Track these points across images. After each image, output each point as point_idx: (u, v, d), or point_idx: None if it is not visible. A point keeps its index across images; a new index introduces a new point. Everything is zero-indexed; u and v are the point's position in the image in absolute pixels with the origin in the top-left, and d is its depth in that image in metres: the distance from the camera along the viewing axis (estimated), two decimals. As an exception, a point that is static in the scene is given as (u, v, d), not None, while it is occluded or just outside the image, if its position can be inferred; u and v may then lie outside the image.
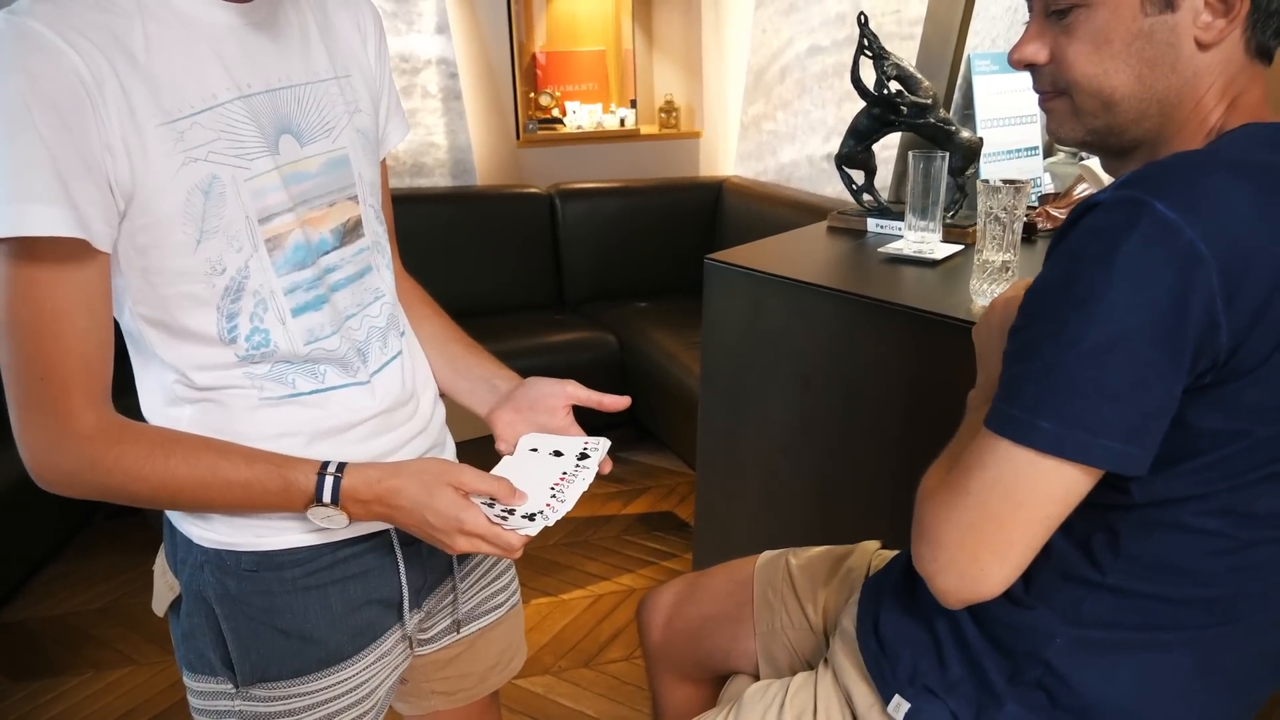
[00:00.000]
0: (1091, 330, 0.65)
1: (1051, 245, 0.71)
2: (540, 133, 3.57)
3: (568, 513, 0.89)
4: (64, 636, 2.27)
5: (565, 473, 0.93)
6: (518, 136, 3.52)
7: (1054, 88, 0.79)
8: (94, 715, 2.00)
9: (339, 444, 0.90)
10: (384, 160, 1.02)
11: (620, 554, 2.60)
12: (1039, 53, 0.79)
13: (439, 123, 3.36)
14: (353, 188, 0.91)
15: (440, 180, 3.42)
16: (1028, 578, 0.78)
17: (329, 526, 0.87)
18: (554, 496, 0.90)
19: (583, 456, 0.97)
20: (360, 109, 0.93)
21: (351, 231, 0.91)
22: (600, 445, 0.99)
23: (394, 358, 0.96)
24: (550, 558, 2.55)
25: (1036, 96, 0.82)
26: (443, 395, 1.08)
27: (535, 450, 0.99)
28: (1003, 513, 0.70)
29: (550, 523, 0.87)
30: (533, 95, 3.61)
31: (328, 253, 0.88)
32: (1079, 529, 0.75)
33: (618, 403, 1.02)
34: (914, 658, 0.88)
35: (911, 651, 0.88)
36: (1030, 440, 0.68)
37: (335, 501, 0.85)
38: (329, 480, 0.84)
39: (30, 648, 2.23)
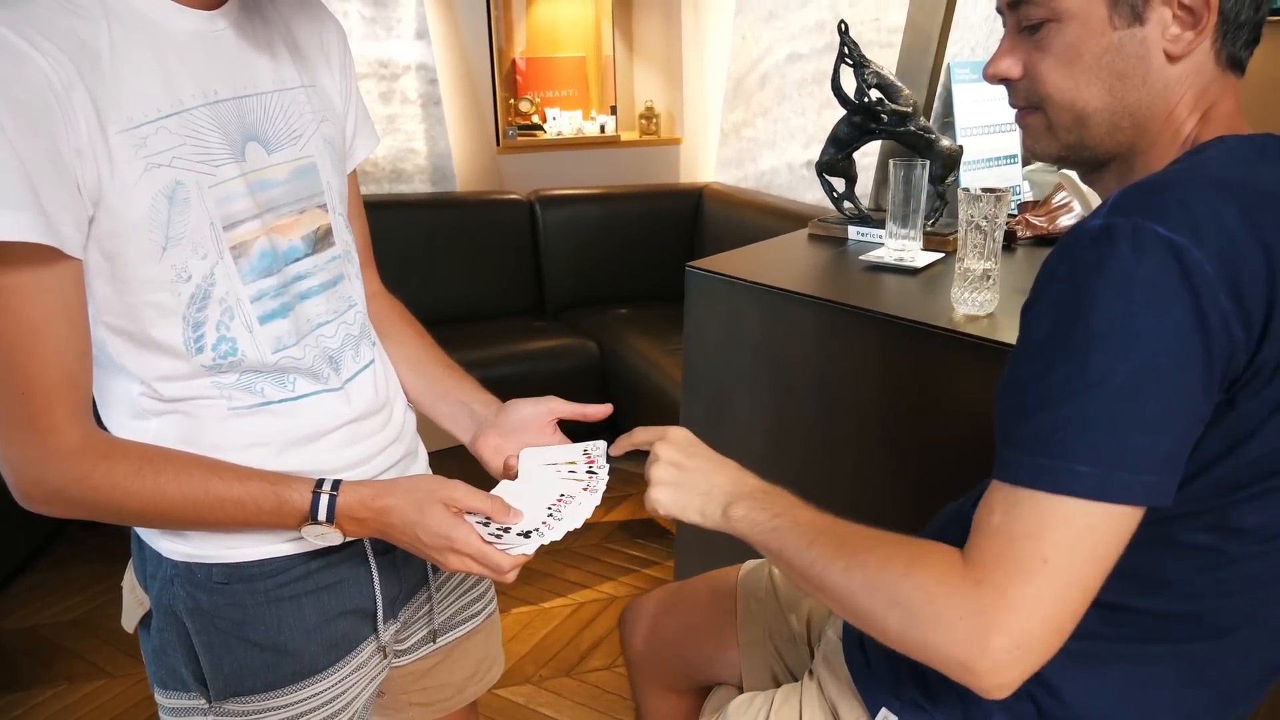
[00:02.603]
0: (1120, 363, 0.62)
1: (1042, 283, 0.68)
2: (520, 139, 3.56)
3: (571, 529, 0.87)
4: (36, 649, 2.23)
5: (563, 494, 0.93)
6: (498, 143, 3.51)
7: (1028, 102, 0.80)
8: (67, 729, 1.97)
9: (312, 452, 0.89)
10: (353, 172, 1.02)
11: (601, 561, 2.59)
12: (1012, 68, 0.79)
13: (418, 129, 3.34)
14: (321, 196, 0.91)
15: (420, 186, 3.41)
16: None
17: (322, 544, 0.86)
18: (551, 515, 0.89)
19: (588, 471, 0.96)
20: (327, 118, 0.93)
21: (323, 239, 0.91)
22: (598, 450, 0.99)
23: (367, 366, 0.96)
24: (531, 566, 2.50)
25: (1014, 112, 0.83)
26: (421, 416, 1.07)
27: (534, 468, 0.98)
28: (1086, 574, 0.64)
29: (546, 541, 0.86)
30: (513, 101, 3.60)
31: (298, 260, 0.88)
32: None
33: (600, 411, 1.02)
34: (901, 670, 0.87)
35: (897, 663, 0.88)
36: (1070, 488, 0.63)
37: (330, 520, 0.84)
38: (324, 499, 0.84)
39: (2, 661, 2.19)
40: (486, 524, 0.86)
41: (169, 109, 0.77)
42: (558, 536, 0.87)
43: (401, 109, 3.30)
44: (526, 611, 2.35)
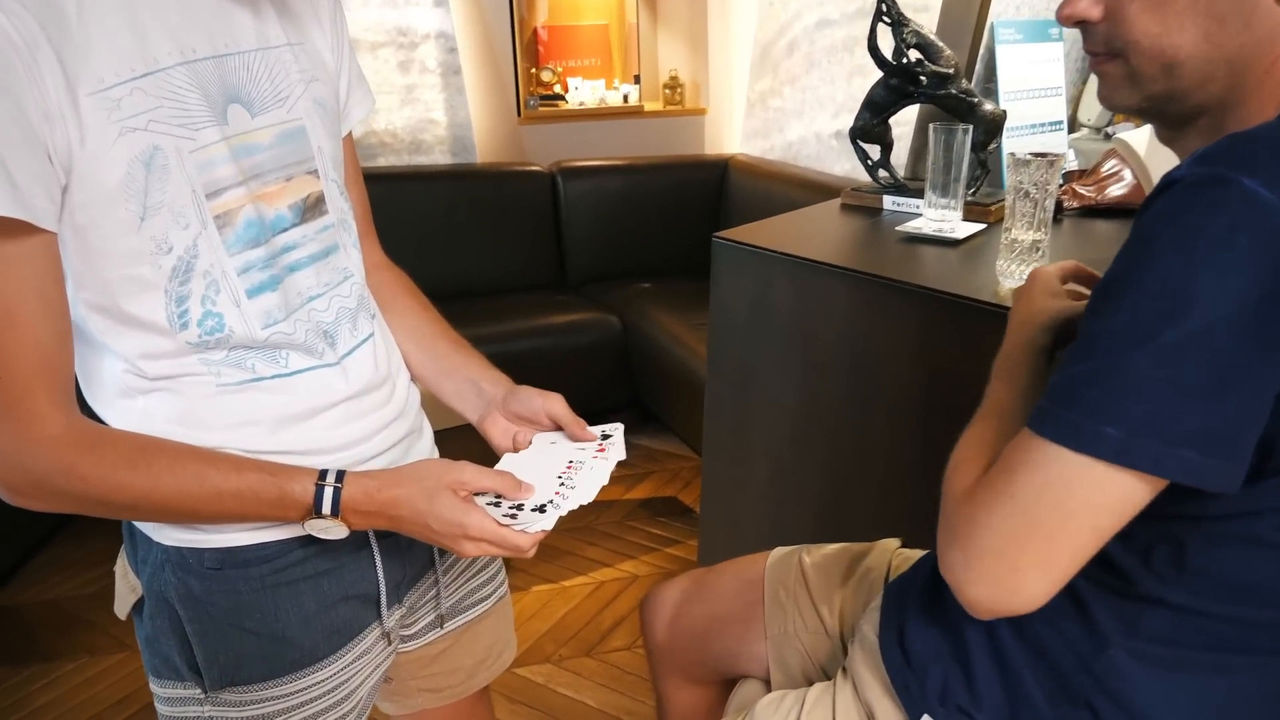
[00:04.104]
0: (1167, 326, 0.57)
1: (1133, 232, 0.63)
2: (542, 109, 3.50)
3: (586, 501, 0.84)
4: (57, 621, 2.23)
5: (572, 460, 0.88)
6: (519, 113, 3.46)
7: (1108, 48, 0.71)
8: (88, 701, 1.96)
9: (307, 429, 0.84)
10: (350, 137, 0.96)
11: (623, 540, 2.55)
12: (1092, 9, 0.70)
13: (438, 99, 3.29)
14: (311, 161, 0.85)
15: (439, 158, 3.36)
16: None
17: (325, 538, 0.82)
18: (563, 484, 0.85)
19: (598, 452, 0.92)
20: (318, 78, 0.87)
21: (313, 208, 0.85)
22: (615, 431, 0.95)
23: (365, 340, 0.91)
24: (551, 544, 2.50)
25: (1073, 65, 0.75)
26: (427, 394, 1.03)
27: (542, 442, 0.94)
28: (1051, 522, 0.62)
29: (563, 511, 0.82)
30: (534, 71, 3.54)
31: (286, 230, 0.82)
32: (1139, 538, 0.68)
33: (585, 436, 0.95)
34: (945, 673, 0.81)
35: (942, 666, 0.82)
36: (1092, 448, 0.60)
37: (335, 513, 0.80)
38: (329, 491, 0.79)
39: (23, 633, 2.20)
40: (498, 503, 0.82)
41: (143, 69, 0.71)
42: (574, 506, 0.83)
43: (420, 78, 3.25)
44: (546, 590, 2.32)
